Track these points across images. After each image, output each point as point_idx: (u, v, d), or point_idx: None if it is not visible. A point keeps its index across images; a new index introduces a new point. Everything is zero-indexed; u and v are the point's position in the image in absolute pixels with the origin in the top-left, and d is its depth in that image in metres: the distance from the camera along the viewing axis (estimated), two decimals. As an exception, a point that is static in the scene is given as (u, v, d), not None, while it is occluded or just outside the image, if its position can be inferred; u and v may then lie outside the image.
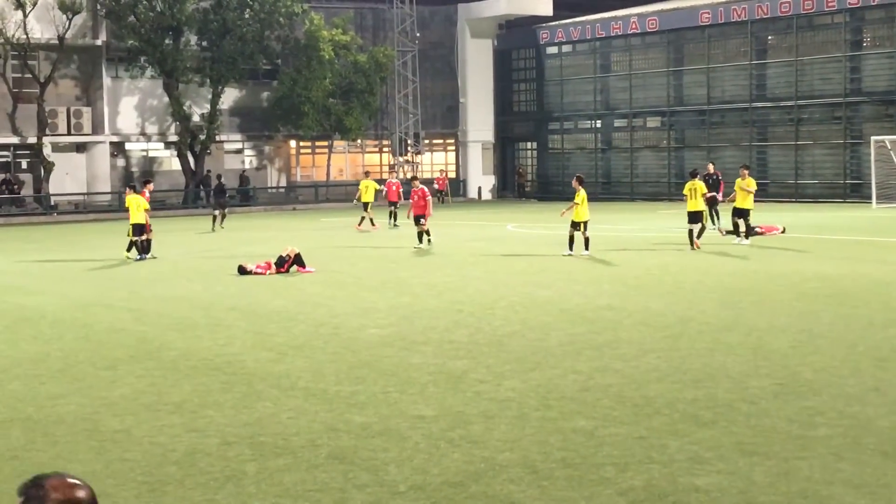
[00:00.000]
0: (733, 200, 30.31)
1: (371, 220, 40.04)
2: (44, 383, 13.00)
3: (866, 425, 10.16)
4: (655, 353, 13.94)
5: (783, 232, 32.81)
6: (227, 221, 42.99)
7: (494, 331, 16.03)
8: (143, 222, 29.01)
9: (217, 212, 42.82)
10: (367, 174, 46.50)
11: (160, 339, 16.07)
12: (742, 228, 29.81)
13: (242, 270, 24.56)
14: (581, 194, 27.48)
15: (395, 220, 41.07)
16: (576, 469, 9.01)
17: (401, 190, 43.72)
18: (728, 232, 31.50)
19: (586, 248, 27.20)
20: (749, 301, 18.52)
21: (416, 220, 31.21)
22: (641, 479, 8.68)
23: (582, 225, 27.43)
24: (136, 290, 22.19)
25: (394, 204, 41.80)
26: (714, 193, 33.24)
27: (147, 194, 30.82)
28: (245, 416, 11.07)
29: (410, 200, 32.44)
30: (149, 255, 29.13)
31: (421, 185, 32.56)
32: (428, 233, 31.13)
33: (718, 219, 33.55)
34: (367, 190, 41.19)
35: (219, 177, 47.14)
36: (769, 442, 9.66)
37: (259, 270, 24.53)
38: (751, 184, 30.19)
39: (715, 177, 34.75)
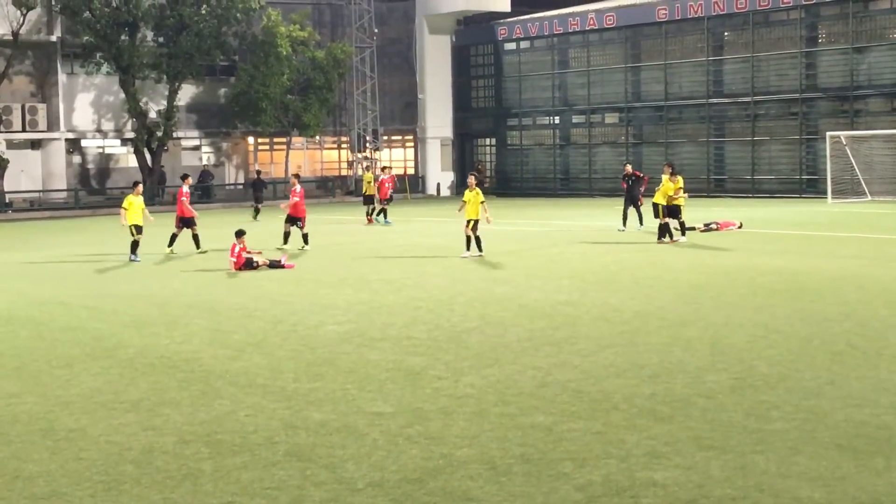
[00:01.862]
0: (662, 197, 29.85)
1: (371, 211, 41.00)
2: (-2, 382, 12.88)
3: (822, 419, 10.24)
4: (613, 348, 13.99)
5: (740, 227, 33.02)
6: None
7: (453, 327, 16.03)
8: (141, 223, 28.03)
9: (257, 204, 46.48)
10: (367, 168, 47.11)
11: (117, 336, 15.95)
12: (672, 226, 29.47)
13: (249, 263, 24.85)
14: (474, 192, 26.48)
15: (385, 216, 40.87)
16: (534, 465, 9.03)
17: (393, 185, 43.14)
18: (690, 228, 31.61)
19: (479, 249, 26.43)
20: (706, 296, 18.63)
21: (292, 221, 30.03)
22: (599, 474, 8.71)
23: (471, 223, 26.34)
24: (92, 288, 22.03)
25: (387, 201, 41.31)
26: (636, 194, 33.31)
27: (186, 189, 30.32)
28: (202, 414, 11.01)
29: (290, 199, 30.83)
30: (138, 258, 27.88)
31: (300, 185, 30.81)
32: (294, 236, 29.82)
33: (642, 221, 33.23)
34: (370, 184, 42.27)
35: (258, 172, 50.81)
36: (726, 436, 9.71)
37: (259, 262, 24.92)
38: (679, 182, 29.63)
39: (634, 177, 34.06)
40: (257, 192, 48.03)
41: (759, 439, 9.59)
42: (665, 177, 29.89)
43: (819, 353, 13.32)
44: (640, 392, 11.47)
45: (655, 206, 29.60)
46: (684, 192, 29.93)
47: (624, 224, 33.16)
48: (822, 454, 9.10)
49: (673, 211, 29.48)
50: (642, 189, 33.97)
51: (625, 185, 34.22)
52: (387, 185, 41.21)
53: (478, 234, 26.47)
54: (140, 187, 29.00)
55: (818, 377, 12.01)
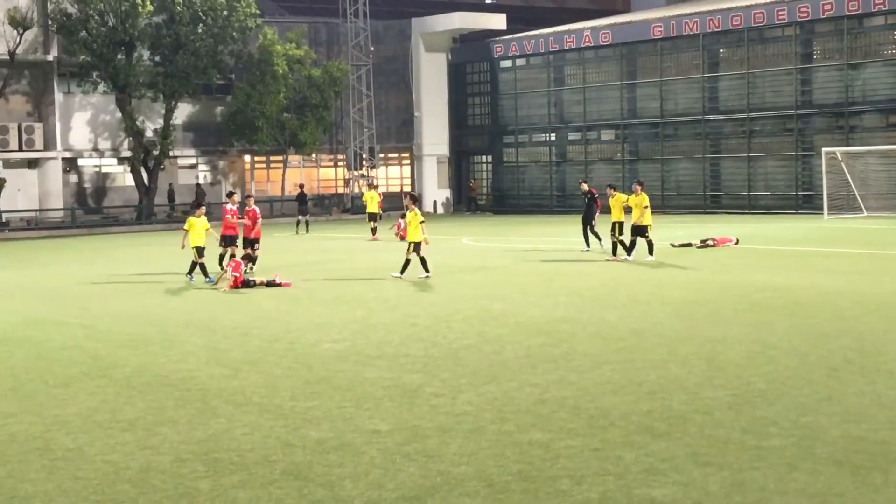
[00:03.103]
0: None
1: (374, 229, 41.93)
2: (-5, 402, 12.86)
3: (819, 435, 10.23)
4: (611, 364, 13.98)
5: (737, 243, 33.03)
6: (180, 236, 42.74)
7: (450, 344, 16.01)
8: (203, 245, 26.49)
9: (300, 217, 48.81)
10: (370, 186, 48.49)
11: (113, 356, 15.93)
12: (625, 244, 29.20)
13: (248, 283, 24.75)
14: (415, 214, 25.73)
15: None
16: (532, 482, 9.01)
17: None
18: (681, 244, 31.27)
19: (426, 271, 25.53)
20: (703, 312, 18.63)
21: (249, 245, 27.97)
22: (597, 491, 8.70)
23: (413, 246, 25.54)
24: (88, 307, 22.00)
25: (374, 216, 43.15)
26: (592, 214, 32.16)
27: (232, 206, 28.57)
28: (199, 433, 10.99)
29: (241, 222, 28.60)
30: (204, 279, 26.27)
31: (254, 206, 28.84)
32: (253, 260, 27.74)
33: (600, 239, 32.01)
34: (371, 201, 43.62)
35: (301, 186, 53.49)
36: (723, 452, 9.70)
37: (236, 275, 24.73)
38: (644, 200, 29.17)
39: (591, 195, 32.85)
40: (302, 205, 50.03)
41: (756, 455, 9.58)
42: (636, 195, 29.38)
43: (816, 369, 13.32)
44: (637, 409, 11.46)
45: (641, 227, 29.21)
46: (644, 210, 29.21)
47: (600, 242, 32.11)
48: (819, 470, 9.10)
49: (640, 229, 29.14)
50: (595, 216, 32.44)
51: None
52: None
53: (422, 254, 25.57)
54: (202, 209, 27.61)
55: (816, 393, 12.00)
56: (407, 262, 25.57)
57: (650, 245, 28.97)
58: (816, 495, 8.46)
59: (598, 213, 32.51)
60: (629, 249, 29.24)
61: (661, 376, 13.12)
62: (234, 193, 30.73)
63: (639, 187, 29.93)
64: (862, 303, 19.25)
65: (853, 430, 10.37)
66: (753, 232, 38.74)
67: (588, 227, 32.57)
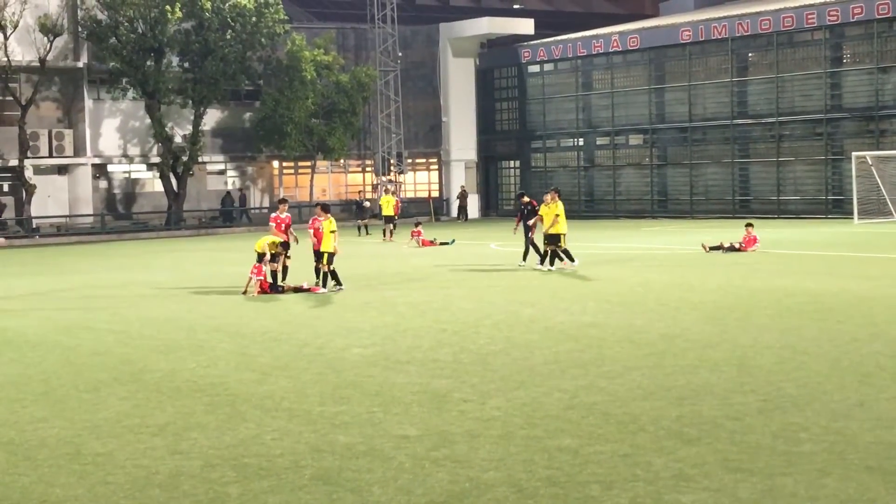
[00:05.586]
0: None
1: (390, 231, 44.62)
2: (26, 406, 12.91)
3: (851, 440, 10.16)
4: (640, 370, 13.93)
5: (750, 228, 33.07)
6: (209, 241, 43.04)
7: (479, 349, 16.00)
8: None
9: (360, 222, 51.90)
10: (386, 190, 50.37)
11: (143, 361, 15.99)
12: (544, 253, 28.73)
13: (276, 289, 24.85)
14: (329, 222, 24.91)
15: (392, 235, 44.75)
16: (561, 488, 8.98)
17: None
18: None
19: (335, 281, 24.89)
20: (733, 317, 18.55)
21: (324, 257, 25.24)
22: (626, 497, 8.66)
23: (326, 257, 24.80)
24: (118, 312, 22.10)
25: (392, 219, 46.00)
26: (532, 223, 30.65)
27: (280, 215, 26.63)
28: (228, 438, 11.01)
29: (311, 231, 25.91)
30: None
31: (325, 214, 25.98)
32: (334, 274, 25.20)
33: (538, 252, 30.23)
34: (387, 205, 45.98)
35: (360, 193, 58.42)
36: (754, 458, 9.65)
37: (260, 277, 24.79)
38: (552, 209, 28.63)
39: (530, 206, 31.34)
40: (360, 213, 53.49)
41: (787, 461, 9.52)
42: (552, 202, 28.75)
43: (848, 375, 13.23)
44: (667, 414, 11.41)
45: (554, 236, 28.56)
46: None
47: (541, 257, 29.82)
48: (851, 476, 9.03)
49: (552, 238, 28.58)
50: (533, 221, 30.84)
51: (520, 217, 31.65)
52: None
53: (332, 267, 24.84)
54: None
55: (847, 398, 11.92)
56: (324, 273, 25.01)
57: (562, 254, 28.47)
58: (848, 501, 8.39)
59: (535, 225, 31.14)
60: (542, 258, 28.71)
61: (691, 382, 13.07)
62: (285, 201, 28.14)
63: (549, 196, 29.25)
64: (893, 308, 19.12)
65: (886, 435, 10.29)
66: (783, 237, 38.56)
67: (527, 238, 30.85)
